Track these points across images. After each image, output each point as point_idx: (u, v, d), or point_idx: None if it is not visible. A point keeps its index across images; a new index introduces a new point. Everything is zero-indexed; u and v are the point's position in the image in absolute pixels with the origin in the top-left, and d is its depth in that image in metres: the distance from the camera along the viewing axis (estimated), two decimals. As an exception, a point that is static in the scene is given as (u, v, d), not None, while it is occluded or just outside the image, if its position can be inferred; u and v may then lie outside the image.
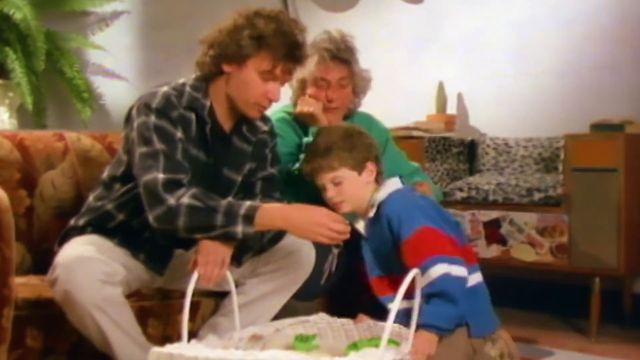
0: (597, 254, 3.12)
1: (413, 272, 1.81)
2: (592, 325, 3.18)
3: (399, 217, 2.18)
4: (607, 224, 3.11)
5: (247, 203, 2.05)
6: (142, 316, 2.16)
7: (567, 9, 3.78)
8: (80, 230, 2.19)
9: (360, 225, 2.31)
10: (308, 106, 2.58)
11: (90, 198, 2.27)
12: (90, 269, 1.92)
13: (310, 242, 2.27)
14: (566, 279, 3.45)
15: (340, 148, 2.25)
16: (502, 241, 3.32)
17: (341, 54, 2.59)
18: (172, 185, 2.02)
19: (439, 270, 2.08)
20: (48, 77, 5.35)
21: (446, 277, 2.08)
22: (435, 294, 2.07)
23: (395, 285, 1.98)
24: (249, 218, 2.01)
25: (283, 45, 2.09)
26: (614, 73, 3.62)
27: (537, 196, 3.24)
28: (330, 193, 2.26)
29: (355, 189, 2.26)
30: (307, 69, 2.53)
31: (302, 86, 2.61)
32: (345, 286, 2.53)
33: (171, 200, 2.00)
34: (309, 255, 2.30)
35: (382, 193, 2.27)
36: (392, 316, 1.67)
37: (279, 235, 2.23)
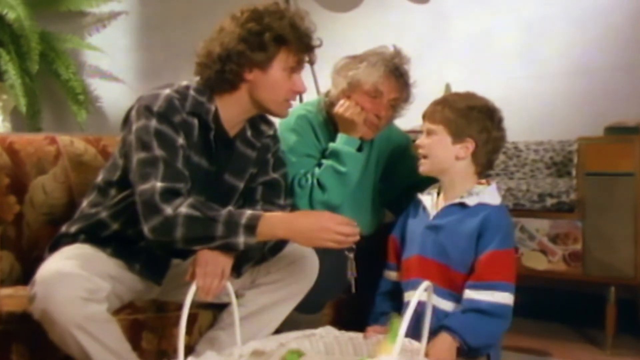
0: (613, 262, 3.04)
1: (424, 285, 1.74)
2: (607, 337, 3.10)
3: (503, 229, 2.24)
4: (623, 231, 3.02)
5: (248, 212, 1.97)
6: (136, 330, 2.10)
7: (580, 7, 3.74)
8: (72, 238, 2.11)
9: (428, 200, 2.36)
10: (352, 112, 2.51)
11: (84, 203, 2.19)
12: (70, 286, 1.82)
13: (313, 251, 2.21)
14: (580, 288, 3.37)
15: (455, 109, 2.28)
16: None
17: (405, 76, 2.56)
18: (170, 195, 1.94)
19: (506, 298, 2.18)
20: (43, 78, 5.35)
21: (508, 307, 2.18)
22: (486, 312, 2.15)
23: (432, 270, 2.21)
24: (250, 228, 1.93)
25: (300, 37, 2.07)
26: (628, 74, 3.57)
27: (549, 202, 3.17)
28: (420, 141, 2.34)
29: (441, 152, 2.29)
30: (366, 75, 2.49)
31: (352, 89, 2.52)
32: (354, 297, 2.48)
33: (168, 210, 1.92)
34: (313, 264, 2.23)
35: (491, 194, 2.30)
36: (402, 331, 1.58)
37: (280, 243, 2.16)
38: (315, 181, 2.47)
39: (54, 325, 1.83)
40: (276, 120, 2.37)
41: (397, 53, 2.56)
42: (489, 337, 2.20)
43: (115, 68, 5.46)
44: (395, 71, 2.52)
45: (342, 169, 2.48)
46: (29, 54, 5.00)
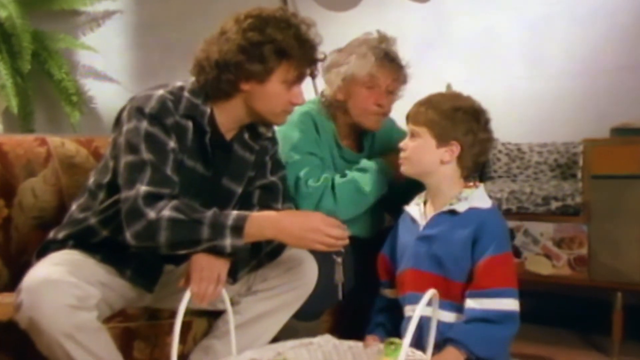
0: (619, 267, 2.98)
1: (429, 293, 1.71)
2: (614, 343, 3.04)
3: (498, 233, 2.18)
4: (630, 235, 2.96)
5: (235, 213, 1.92)
6: (127, 338, 2.06)
7: (584, 6, 3.70)
8: (60, 244, 2.06)
9: (415, 211, 2.29)
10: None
11: (74, 207, 2.13)
12: (59, 294, 1.76)
13: (312, 257, 2.17)
14: (586, 293, 3.31)
15: (439, 111, 2.20)
16: (516, 253, 3.15)
17: (397, 59, 2.50)
18: (153, 199, 1.88)
19: (511, 304, 2.12)
20: (35, 79, 5.28)
21: (514, 313, 2.12)
22: (491, 321, 2.09)
23: (428, 283, 2.05)
24: (237, 229, 1.88)
25: (306, 51, 2.00)
26: (634, 74, 3.53)
27: (554, 205, 3.11)
28: (404, 143, 2.27)
29: (424, 155, 2.22)
30: (359, 67, 2.45)
31: (348, 84, 2.48)
32: (353, 304, 2.44)
33: (151, 215, 1.86)
34: (312, 270, 2.18)
35: (480, 197, 2.23)
36: (407, 340, 1.55)
37: (278, 248, 2.11)
38: (330, 186, 2.40)
39: (42, 335, 1.77)
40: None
41: (383, 37, 2.50)
42: (497, 345, 2.13)
43: (110, 68, 5.41)
44: (386, 57, 2.46)
45: (365, 188, 2.42)
46: (21, 53, 4.94)
